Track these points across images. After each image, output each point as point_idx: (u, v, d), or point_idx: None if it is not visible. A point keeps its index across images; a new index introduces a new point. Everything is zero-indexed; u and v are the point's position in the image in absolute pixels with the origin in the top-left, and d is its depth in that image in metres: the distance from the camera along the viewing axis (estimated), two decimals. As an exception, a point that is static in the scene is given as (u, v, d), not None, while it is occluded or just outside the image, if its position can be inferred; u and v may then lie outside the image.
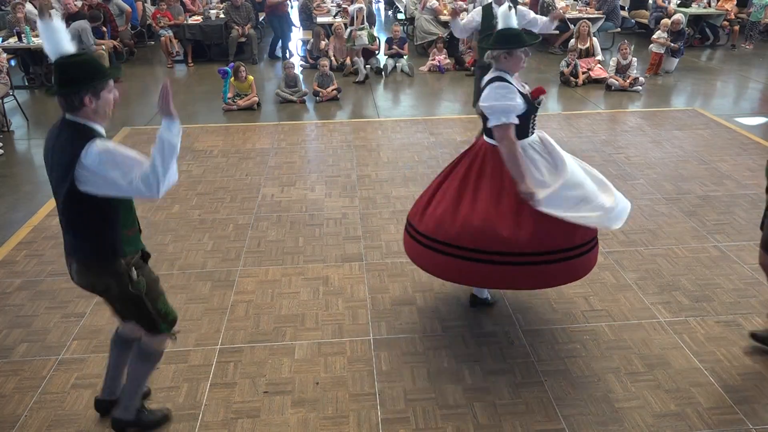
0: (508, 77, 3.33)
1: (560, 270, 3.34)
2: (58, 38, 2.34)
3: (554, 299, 4.06)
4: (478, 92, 4.83)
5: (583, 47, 9.79)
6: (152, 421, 3.01)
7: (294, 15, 12.48)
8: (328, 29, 10.88)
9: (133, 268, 2.59)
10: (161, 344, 2.83)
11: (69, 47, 2.36)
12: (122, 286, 2.57)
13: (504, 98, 3.24)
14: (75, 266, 2.62)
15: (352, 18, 9.75)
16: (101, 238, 2.53)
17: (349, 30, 9.81)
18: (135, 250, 2.64)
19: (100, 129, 2.43)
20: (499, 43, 3.34)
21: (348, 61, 9.52)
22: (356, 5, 9.78)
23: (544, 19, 5.86)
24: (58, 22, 2.35)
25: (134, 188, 2.32)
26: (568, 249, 3.31)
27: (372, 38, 9.96)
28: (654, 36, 10.11)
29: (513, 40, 3.33)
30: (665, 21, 10.06)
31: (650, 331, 3.73)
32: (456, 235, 3.29)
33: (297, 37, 12.15)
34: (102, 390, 3.07)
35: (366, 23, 9.85)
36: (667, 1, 12.06)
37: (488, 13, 5.82)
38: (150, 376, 3.01)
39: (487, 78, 3.41)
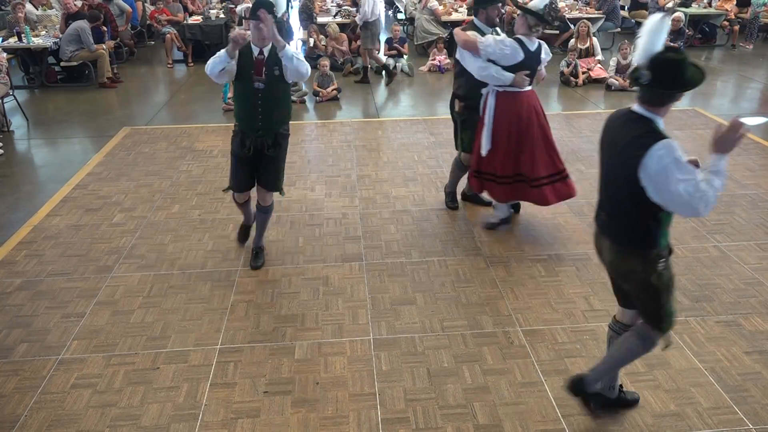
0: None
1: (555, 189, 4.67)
2: (658, 39, 2.46)
3: (554, 299, 4.06)
4: None
5: (583, 47, 9.80)
6: (619, 401, 3.07)
7: (294, 15, 12.47)
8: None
9: (662, 260, 2.62)
10: (657, 338, 2.79)
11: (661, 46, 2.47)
12: (646, 274, 2.62)
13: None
14: (607, 244, 2.73)
15: (240, 18, 9.61)
16: (641, 226, 2.59)
17: (237, 30, 9.69)
18: (666, 245, 2.66)
19: (662, 125, 2.54)
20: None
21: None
22: (244, 5, 9.66)
23: None
24: (665, 21, 2.47)
25: (682, 202, 2.38)
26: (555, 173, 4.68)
27: None
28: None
29: None
30: (665, 21, 10.06)
31: (650, 331, 3.73)
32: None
33: (297, 37, 12.14)
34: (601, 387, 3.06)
35: None
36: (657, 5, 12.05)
37: None
38: (629, 362, 2.97)
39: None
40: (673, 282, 2.70)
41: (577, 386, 2.98)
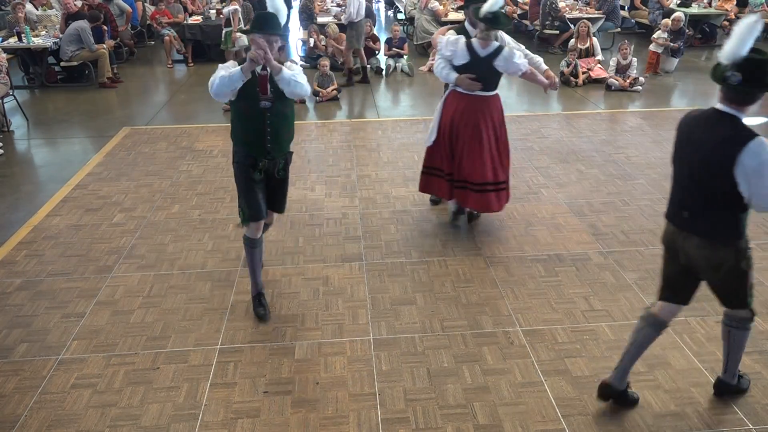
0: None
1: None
2: (747, 42, 2.48)
3: (554, 299, 4.06)
4: None
5: (583, 47, 9.79)
6: (745, 389, 3.24)
7: (294, 14, 12.47)
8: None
9: (749, 246, 2.75)
10: (747, 314, 2.96)
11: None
12: (737, 262, 2.76)
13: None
14: (695, 241, 2.80)
15: (228, 20, 9.57)
16: (732, 219, 2.72)
17: (225, 32, 9.62)
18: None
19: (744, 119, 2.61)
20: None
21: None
22: (231, 7, 9.61)
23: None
24: (758, 24, 2.48)
25: None
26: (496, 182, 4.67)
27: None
28: (654, 36, 10.12)
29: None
30: (665, 21, 10.07)
31: (650, 331, 3.73)
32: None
33: (297, 37, 12.15)
34: (614, 375, 3.13)
35: (242, 25, 9.62)
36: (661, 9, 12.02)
37: None
38: (745, 347, 3.09)
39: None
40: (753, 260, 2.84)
41: (722, 388, 3.21)
